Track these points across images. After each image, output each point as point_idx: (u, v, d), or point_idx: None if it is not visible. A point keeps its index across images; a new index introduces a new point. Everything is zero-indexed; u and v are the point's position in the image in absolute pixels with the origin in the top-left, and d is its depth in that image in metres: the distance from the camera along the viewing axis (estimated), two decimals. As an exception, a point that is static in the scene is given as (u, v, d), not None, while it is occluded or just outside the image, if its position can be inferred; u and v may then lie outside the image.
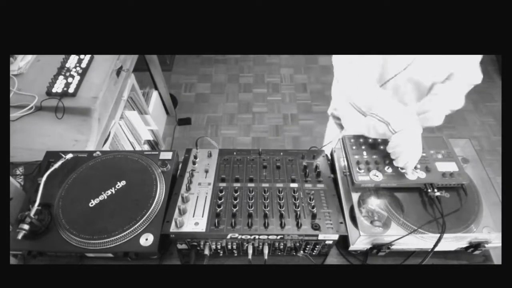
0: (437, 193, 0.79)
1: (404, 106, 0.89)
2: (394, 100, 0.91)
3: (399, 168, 0.83)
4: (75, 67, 1.36)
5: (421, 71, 1.01)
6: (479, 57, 1.00)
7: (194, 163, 0.87)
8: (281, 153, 0.91)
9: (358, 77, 0.98)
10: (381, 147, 0.88)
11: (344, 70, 1.02)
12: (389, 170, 0.83)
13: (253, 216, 0.75)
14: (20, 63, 1.37)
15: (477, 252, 0.78)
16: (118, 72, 1.49)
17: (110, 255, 0.76)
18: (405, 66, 0.98)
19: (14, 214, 0.78)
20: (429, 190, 0.80)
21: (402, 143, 0.80)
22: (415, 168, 0.83)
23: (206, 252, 0.74)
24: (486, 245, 0.76)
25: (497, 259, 0.81)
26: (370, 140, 0.90)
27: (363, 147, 0.89)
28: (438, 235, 0.72)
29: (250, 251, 0.75)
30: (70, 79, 1.29)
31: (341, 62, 1.02)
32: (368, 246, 0.77)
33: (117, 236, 0.73)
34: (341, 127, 1.33)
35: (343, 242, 0.81)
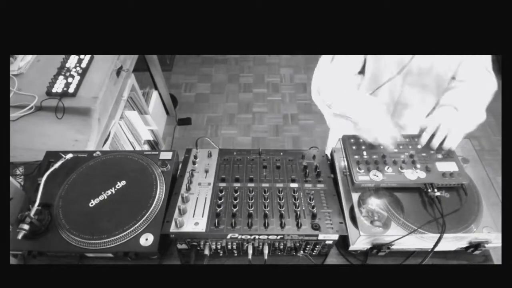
0: (437, 193, 0.79)
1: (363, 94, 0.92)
2: (354, 91, 0.93)
3: (400, 168, 0.83)
4: (75, 67, 1.35)
5: (423, 70, 1.00)
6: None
7: (194, 163, 0.87)
8: (281, 153, 0.91)
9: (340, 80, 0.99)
10: (381, 147, 0.88)
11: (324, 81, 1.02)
12: (389, 170, 0.83)
13: (253, 216, 0.75)
14: (20, 63, 1.37)
15: (477, 252, 0.78)
16: (118, 72, 1.49)
17: (110, 255, 0.76)
18: (398, 69, 0.98)
19: (14, 214, 0.78)
20: (429, 190, 0.80)
21: (365, 125, 0.85)
22: (415, 167, 0.83)
23: (206, 252, 0.74)
24: (486, 245, 0.76)
25: (497, 259, 0.81)
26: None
27: (363, 147, 0.88)
28: (438, 235, 0.72)
29: (250, 251, 0.75)
30: (70, 79, 1.29)
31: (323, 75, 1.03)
32: (368, 246, 0.77)
33: (117, 236, 0.73)
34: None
35: (343, 242, 0.81)
